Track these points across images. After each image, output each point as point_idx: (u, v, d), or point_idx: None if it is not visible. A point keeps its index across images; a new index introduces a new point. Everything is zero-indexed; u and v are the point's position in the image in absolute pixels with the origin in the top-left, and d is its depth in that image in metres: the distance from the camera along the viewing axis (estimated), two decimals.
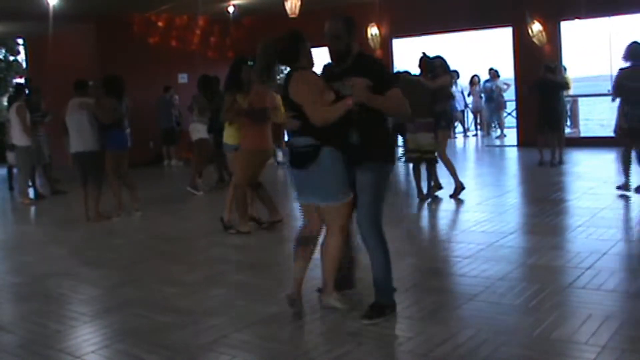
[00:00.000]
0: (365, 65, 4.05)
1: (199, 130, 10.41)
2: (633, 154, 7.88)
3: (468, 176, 10.99)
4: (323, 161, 3.97)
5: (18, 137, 10.03)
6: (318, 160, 3.96)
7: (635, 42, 7.78)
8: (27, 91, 11.10)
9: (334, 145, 3.98)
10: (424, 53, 8.41)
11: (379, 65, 4.18)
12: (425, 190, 8.40)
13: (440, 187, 8.49)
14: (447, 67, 8.46)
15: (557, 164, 10.77)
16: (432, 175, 8.42)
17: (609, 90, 12.07)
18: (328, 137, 3.95)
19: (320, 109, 3.94)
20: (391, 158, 4.26)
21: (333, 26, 4.05)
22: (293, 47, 4.10)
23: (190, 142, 11.03)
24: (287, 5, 12.28)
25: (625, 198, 7.61)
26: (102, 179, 8.34)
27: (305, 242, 4.24)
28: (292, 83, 4.05)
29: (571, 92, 13.93)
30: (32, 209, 10.05)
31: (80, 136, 8.21)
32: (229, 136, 7.15)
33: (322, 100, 3.96)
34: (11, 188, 11.68)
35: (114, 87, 8.29)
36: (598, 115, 24.74)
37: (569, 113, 16.48)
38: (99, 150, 8.25)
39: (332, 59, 4.17)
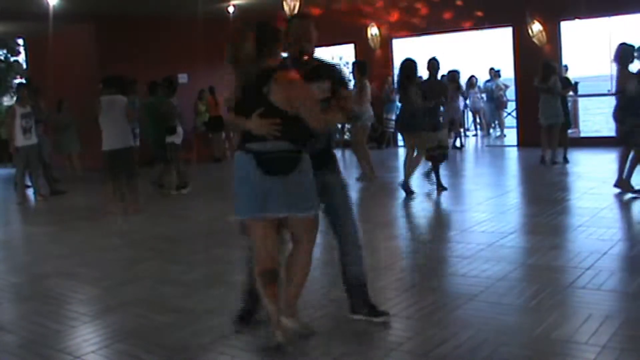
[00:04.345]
0: (328, 68, 4.04)
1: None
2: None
3: (468, 176, 11.00)
4: (304, 167, 3.61)
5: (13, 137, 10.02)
6: (300, 166, 3.58)
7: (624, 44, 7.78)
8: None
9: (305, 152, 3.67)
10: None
11: (338, 68, 4.20)
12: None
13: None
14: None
15: (550, 163, 10.69)
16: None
17: (609, 90, 12.07)
18: (304, 142, 3.65)
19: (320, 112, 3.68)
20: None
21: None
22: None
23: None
24: (286, 6, 12.28)
25: (625, 198, 7.61)
26: (135, 172, 8.72)
27: (272, 278, 3.63)
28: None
29: (570, 93, 13.84)
30: (32, 209, 10.04)
31: (115, 134, 8.34)
32: None
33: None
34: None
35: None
36: (598, 116, 24.75)
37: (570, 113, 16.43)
38: (132, 146, 8.66)
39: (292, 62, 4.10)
